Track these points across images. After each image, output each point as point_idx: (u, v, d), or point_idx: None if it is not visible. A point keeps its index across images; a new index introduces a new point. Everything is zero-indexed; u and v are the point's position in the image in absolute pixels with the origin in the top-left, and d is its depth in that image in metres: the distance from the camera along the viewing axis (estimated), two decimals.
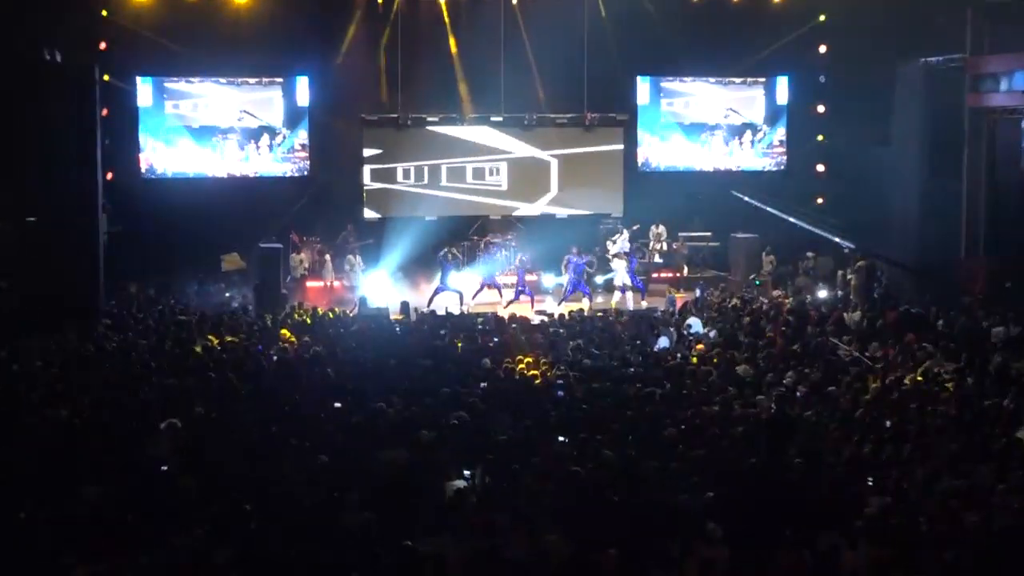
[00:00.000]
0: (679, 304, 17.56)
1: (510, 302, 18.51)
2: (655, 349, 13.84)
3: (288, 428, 9.06)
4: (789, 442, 8.97)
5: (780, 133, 23.05)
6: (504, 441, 8.92)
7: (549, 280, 20.44)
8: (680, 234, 21.73)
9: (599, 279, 20.26)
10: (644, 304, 18.97)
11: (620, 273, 19.09)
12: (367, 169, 20.81)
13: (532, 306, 18.38)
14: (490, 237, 21.25)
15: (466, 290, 18.87)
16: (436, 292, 18.42)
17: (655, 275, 21.29)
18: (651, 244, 21.54)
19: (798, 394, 11.08)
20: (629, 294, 19.01)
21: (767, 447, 8.82)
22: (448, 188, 21.11)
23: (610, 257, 19.87)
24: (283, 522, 6.75)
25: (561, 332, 14.69)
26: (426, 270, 20.08)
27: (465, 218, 21.37)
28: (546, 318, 16.57)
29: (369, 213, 20.93)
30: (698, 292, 18.54)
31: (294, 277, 19.98)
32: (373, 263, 20.37)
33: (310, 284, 20.23)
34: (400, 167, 20.97)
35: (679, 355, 13.21)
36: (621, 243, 20.20)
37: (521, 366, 12.12)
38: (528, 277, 19.44)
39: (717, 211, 21.61)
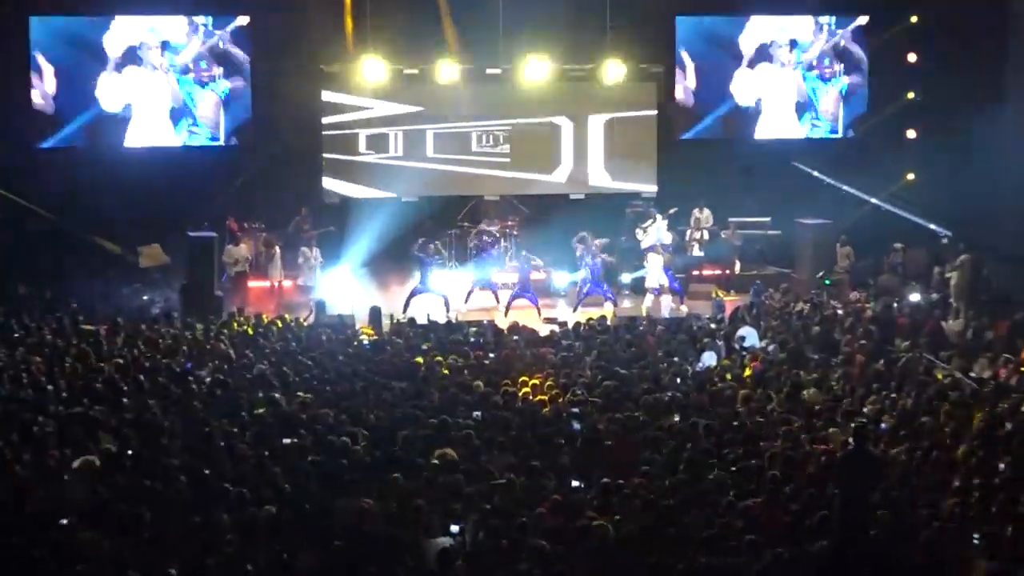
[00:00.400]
0: (728, 310, 17.79)
1: (510, 308, 18.69)
2: (698, 368, 14.02)
3: (224, 471, 9.13)
4: (871, 488, 8.89)
5: (858, 88, 23.01)
6: (503, 487, 9.01)
7: (561, 279, 20.59)
8: (730, 220, 21.83)
9: (625, 277, 20.49)
10: (684, 310, 19.11)
11: (653, 270, 19.13)
12: (327, 137, 21.05)
13: (539, 313, 18.57)
14: (485, 224, 21.31)
15: (454, 293, 19.06)
16: (414, 295, 18.53)
17: (697, 273, 21.41)
18: (691, 233, 21.74)
19: (882, 426, 11.16)
20: (665, 298, 19.11)
21: (842, 495, 8.72)
22: (432, 160, 21.37)
23: (642, 248, 20.03)
24: None
25: (576, 346, 14.87)
26: (402, 267, 20.19)
27: (453, 199, 21.51)
28: (557, 328, 16.83)
29: (329, 193, 21.16)
30: (753, 294, 18.65)
31: (231, 276, 20.03)
32: (334, 257, 20.46)
33: (253, 284, 20.42)
34: (368, 134, 21.18)
35: (729, 376, 13.40)
36: (655, 232, 20.34)
37: (525, 390, 12.28)
38: (534, 276, 19.61)
39: (778, 190, 21.79)
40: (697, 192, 21.82)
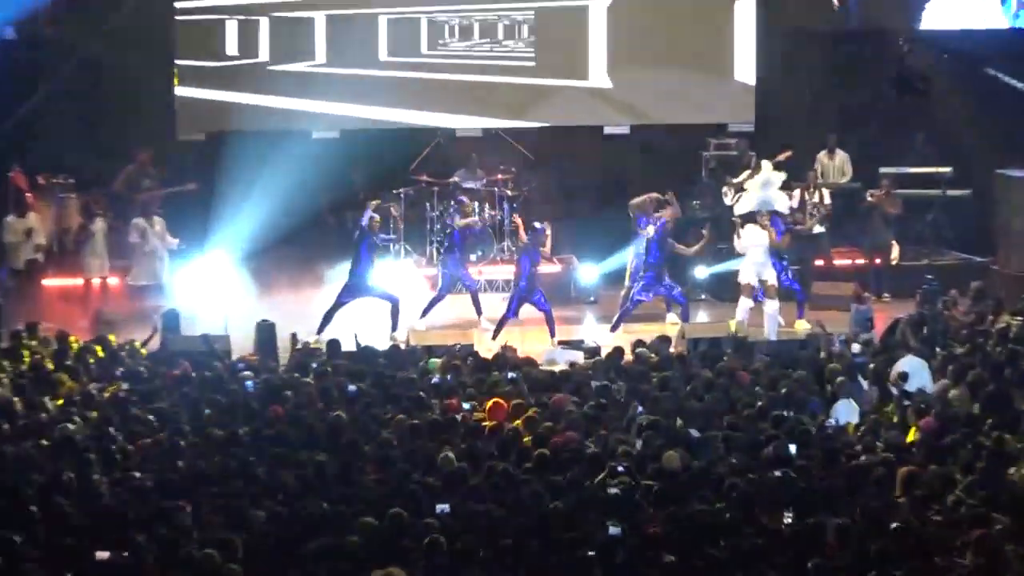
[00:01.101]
0: (880, 328, 17.93)
1: (505, 323, 18.99)
2: (827, 427, 14.08)
3: None
4: None
5: None
6: None
7: (589, 273, 20.89)
8: (881, 171, 21.96)
9: (700, 272, 20.91)
10: (802, 327, 19.25)
11: (752, 258, 19.28)
12: (183, 29, 21.70)
13: (552, 332, 18.83)
14: (460, 179, 21.52)
15: (407, 295, 19.28)
16: (341, 303, 18.85)
17: (822, 263, 21.85)
18: (811, 194, 21.68)
19: None
20: (771, 305, 19.15)
21: None
22: (368, 67, 21.96)
23: (737, 222, 19.95)
24: None
25: (616, 390, 15.07)
26: (314, 254, 20.57)
27: (403, 136, 22.40)
28: (581, 358, 17.12)
29: (186, 124, 21.56)
30: (922, 301, 18.70)
31: (16, 268, 20.28)
32: (195, 238, 20.65)
33: (50, 283, 20.61)
34: (251, 23, 21.68)
35: (880, 441, 13.32)
36: (756, 190, 19.92)
37: (527, 465, 12.43)
38: (545, 269, 19.91)
39: (963, 120, 22.42)
40: (821, 123, 22.19)
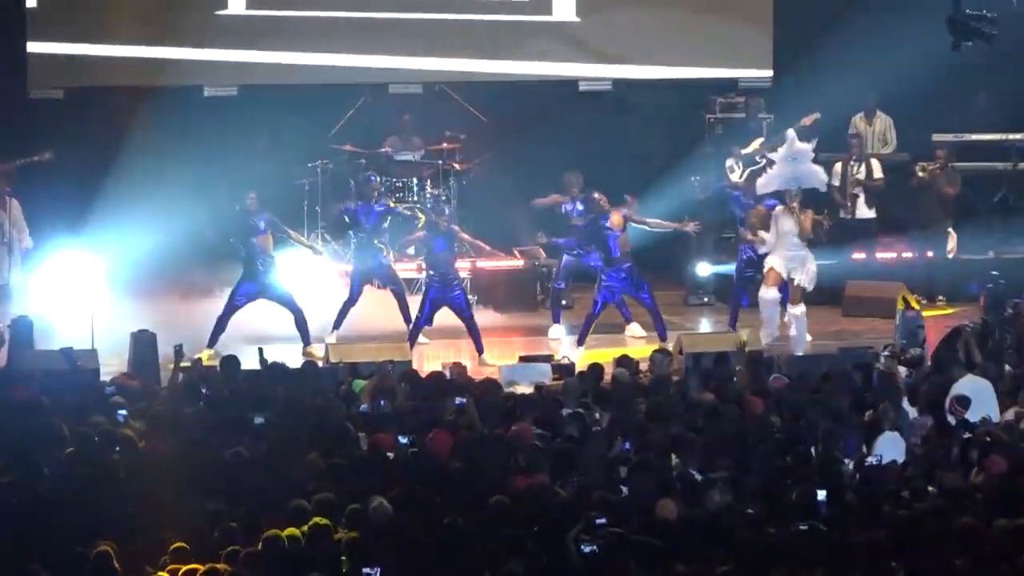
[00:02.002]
0: (933, 339, 18.35)
1: (417, 331, 19.48)
2: (866, 467, 14.10)
3: None
4: None
5: None
6: None
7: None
8: (935, 139, 22.52)
9: (703, 269, 21.25)
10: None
11: (775, 249, 19.60)
12: None
13: (479, 349, 19.42)
14: (392, 148, 22.20)
15: (320, 296, 19.77)
16: (234, 306, 19.31)
17: (862, 255, 21.97)
18: (855, 164, 22.04)
19: None
20: (798, 311, 19.67)
21: None
22: (277, 5, 22.26)
23: (744, 197, 20.40)
24: None
25: (594, 418, 15.35)
26: (206, 244, 20.49)
27: (322, 92, 22.71)
28: (548, 379, 17.45)
29: (39, 74, 21.70)
30: (988, 304, 19.35)
31: None
32: (54, 225, 20.77)
33: None
34: None
35: (935, 484, 13.47)
36: (782, 162, 20.03)
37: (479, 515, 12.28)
38: (504, 264, 20.59)
39: None
40: (856, 77, 22.36)
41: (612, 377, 16.55)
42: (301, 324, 18.99)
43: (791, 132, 20.17)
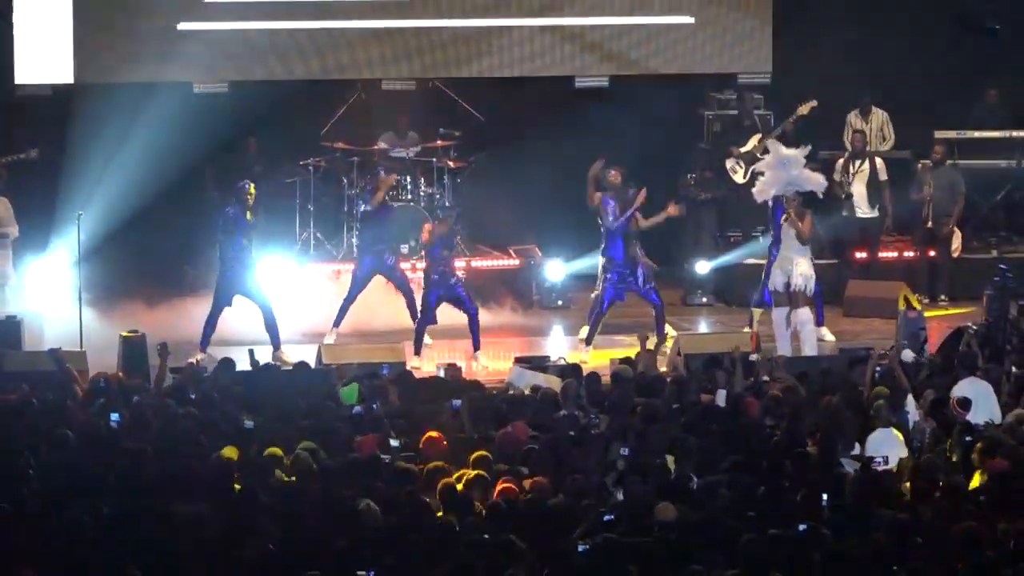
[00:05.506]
0: (935, 340, 18.54)
1: (422, 330, 19.44)
2: (870, 466, 14.14)
3: None
4: None
5: None
6: None
7: (556, 271, 21.26)
8: (936, 135, 22.51)
9: (702, 267, 21.28)
10: (826, 337, 19.82)
11: (780, 262, 19.54)
12: None
13: (476, 345, 19.53)
14: (386, 144, 22.31)
15: (310, 297, 19.93)
16: (221, 306, 19.33)
17: (862, 254, 22.03)
18: (856, 162, 21.90)
19: None
20: (802, 314, 19.55)
21: None
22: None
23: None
24: None
25: (591, 422, 15.34)
26: (198, 243, 20.72)
27: (314, 88, 22.79)
28: (543, 381, 17.31)
29: (27, 77, 21.56)
30: (991, 305, 19.10)
31: None
32: (40, 225, 20.85)
33: None
34: None
35: (937, 490, 13.35)
36: (781, 169, 19.83)
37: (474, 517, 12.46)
38: (500, 263, 20.72)
39: None
40: (857, 72, 22.47)
41: (611, 377, 16.44)
42: (271, 327, 19.02)
43: (772, 141, 20.13)
